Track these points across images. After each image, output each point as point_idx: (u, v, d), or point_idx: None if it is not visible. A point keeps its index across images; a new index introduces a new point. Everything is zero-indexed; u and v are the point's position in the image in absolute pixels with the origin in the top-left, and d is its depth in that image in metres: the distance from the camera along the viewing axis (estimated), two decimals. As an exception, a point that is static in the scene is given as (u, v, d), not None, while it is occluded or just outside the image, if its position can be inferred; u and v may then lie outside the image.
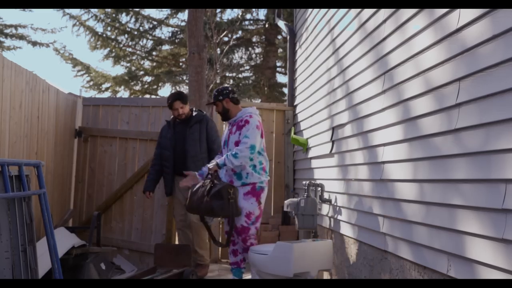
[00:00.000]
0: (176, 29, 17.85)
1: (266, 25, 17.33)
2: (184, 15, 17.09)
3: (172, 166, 6.85)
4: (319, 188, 6.28)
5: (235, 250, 5.79)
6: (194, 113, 6.96)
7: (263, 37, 18.01)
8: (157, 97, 18.07)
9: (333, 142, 6.04)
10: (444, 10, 3.48)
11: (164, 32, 23.84)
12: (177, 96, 6.83)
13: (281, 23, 9.67)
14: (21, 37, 19.45)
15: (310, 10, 7.56)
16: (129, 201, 8.05)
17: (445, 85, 3.47)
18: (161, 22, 17.44)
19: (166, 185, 6.97)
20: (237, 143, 5.49)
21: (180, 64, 18.17)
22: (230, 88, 5.90)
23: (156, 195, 7.79)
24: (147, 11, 19.14)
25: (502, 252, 2.78)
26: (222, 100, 5.83)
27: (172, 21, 17.80)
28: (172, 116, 7.03)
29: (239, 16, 17.01)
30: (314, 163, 7.04)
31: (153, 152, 7.74)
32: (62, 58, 18.50)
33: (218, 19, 16.39)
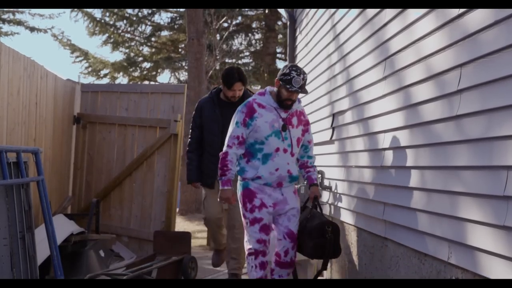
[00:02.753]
0: (175, 15, 17.80)
1: (266, 11, 17.25)
2: (183, 1, 16.99)
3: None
4: (319, 175, 6.25)
5: (264, 262, 4.56)
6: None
7: (263, 23, 17.96)
8: (156, 83, 18.03)
9: (333, 128, 6.01)
10: (446, -5, 3.43)
11: (163, 18, 23.83)
12: (240, 77, 5.66)
13: (281, 9, 9.60)
14: (19, 23, 19.38)
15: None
16: (128, 188, 8.03)
17: (446, 71, 3.43)
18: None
19: (207, 176, 5.78)
20: (298, 141, 4.65)
21: (179, 50, 18.12)
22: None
23: (155, 183, 7.78)
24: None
25: (503, 239, 2.76)
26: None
27: (171, 7, 17.72)
28: (213, 91, 5.93)
29: (239, 2, 16.92)
30: (314, 150, 7.00)
31: (159, 135, 7.66)
32: (60, 44, 18.44)
33: (217, 5, 16.29)
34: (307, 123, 4.69)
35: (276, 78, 4.47)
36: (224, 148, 4.56)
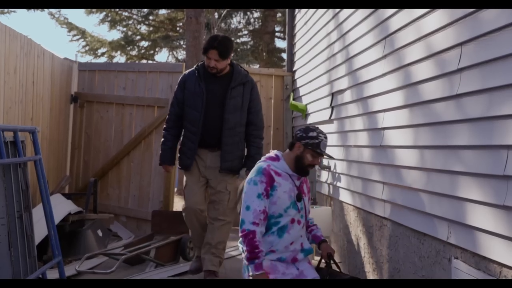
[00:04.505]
0: (173, -7, 17.64)
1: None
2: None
3: (200, 134, 5.16)
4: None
5: None
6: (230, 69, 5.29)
7: (262, 1, 17.81)
8: (154, 62, 17.94)
9: (332, 108, 5.99)
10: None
11: (161, -4, 23.58)
12: (218, 45, 5.02)
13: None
14: (16, 1, 19.19)
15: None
16: (126, 167, 8.02)
17: (446, 50, 3.40)
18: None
19: (185, 156, 5.25)
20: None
21: (177, 29, 17.99)
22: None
23: (153, 162, 7.75)
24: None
25: (503, 219, 2.75)
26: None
27: (169, -15, 17.57)
28: (199, 64, 5.32)
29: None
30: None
31: (157, 115, 7.62)
32: (57, 22, 18.26)
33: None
34: (309, 190, 4.12)
35: (297, 142, 3.84)
36: (248, 226, 3.70)
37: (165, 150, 5.41)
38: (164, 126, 5.45)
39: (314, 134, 3.83)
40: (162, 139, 5.44)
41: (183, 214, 5.42)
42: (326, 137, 3.88)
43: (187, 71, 5.42)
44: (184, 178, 5.39)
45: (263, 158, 3.99)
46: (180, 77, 5.40)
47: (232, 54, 5.20)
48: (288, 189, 3.81)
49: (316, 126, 4.12)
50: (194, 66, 5.34)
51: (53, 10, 18.30)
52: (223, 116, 5.13)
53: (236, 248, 6.87)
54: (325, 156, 3.91)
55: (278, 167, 3.84)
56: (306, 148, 3.80)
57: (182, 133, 5.34)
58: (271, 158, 3.91)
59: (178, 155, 5.37)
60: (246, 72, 5.33)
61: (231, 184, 5.26)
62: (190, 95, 5.19)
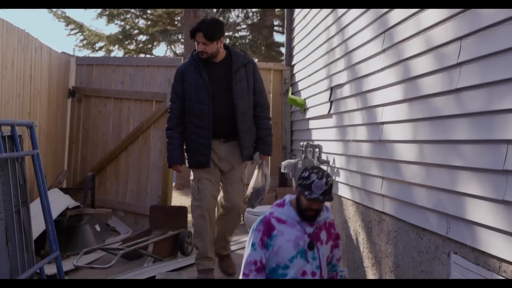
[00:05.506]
0: (171, -13, 17.58)
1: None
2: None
3: (212, 127, 4.94)
4: (317, 149, 6.23)
5: None
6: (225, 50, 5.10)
7: (260, -5, 17.76)
8: (152, 56, 17.90)
9: (331, 102, 5.97)
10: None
11: (159, -9, 23.49)
12: (204, 28, 4.84)
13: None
14: (13, -5, 19.12)
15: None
16: (124, 162, 8.01)
17: (446, 44, 3.39)
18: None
19: (197, 153, 4.99)
20: (328, 259, 3.60)
21: (176, 22, 17.94)
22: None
23: (152, 157, 7.75)
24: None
25: (502, 214, 2.74)
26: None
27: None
28: (193, 53, 5.12)
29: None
30: (312, 124, 6.98)
31: (155, 109, 7.59)
32: (55, 16, 18.19)
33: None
34: (337, 237, 3.63)
35: (295, 183, 3.58)
36: (240, 277, 3.48)
37: (173, 150, 5.09)
38: (167, 125, 5.16)
39: (306, 174, 3.38)
40: (167, 139, 5.14)
41: (195, 211, 5.11)
42: (322, 177, 3.34)
43: (182, 63, 5.22)
44: (192, 173, 5.14)
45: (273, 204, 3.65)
46: (176, 71, 5.18)
47: (222, 37, 4.97)
48: (293, 237, 3.41)
49: (318, 167, 3.55)
50: (189, 57, 5.13)
51: (51, 4, 18.23)
52: (232, 102, 4.94)
53: (235, 243, 6.86)
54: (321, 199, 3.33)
55: (283, 213, 3.48)
56: (300, 190, 3.39)
57: (187, 129, 5.07)
58: (277, 204, 3.58)
59: (186, 154, 5.11)
60: (244, 53, 5.17)
61: (245, 174, 5.23)
62: (192, 87, 4.96)
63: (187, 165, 5.16)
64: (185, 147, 5.12)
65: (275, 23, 18.05)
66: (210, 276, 5.09)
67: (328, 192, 3.35)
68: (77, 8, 16.65)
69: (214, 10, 15.61)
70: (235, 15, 17.68)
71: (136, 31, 18.28)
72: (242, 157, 5.08)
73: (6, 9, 19.62)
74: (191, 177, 5.15)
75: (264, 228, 3.46)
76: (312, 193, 3.30)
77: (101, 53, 18.18)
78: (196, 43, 4.91)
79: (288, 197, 3.55)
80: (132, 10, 17.78)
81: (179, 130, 5.08)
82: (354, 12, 5.15)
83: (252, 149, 5.16)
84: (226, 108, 4.95)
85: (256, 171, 5.38)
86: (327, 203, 3.61)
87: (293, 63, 8.45)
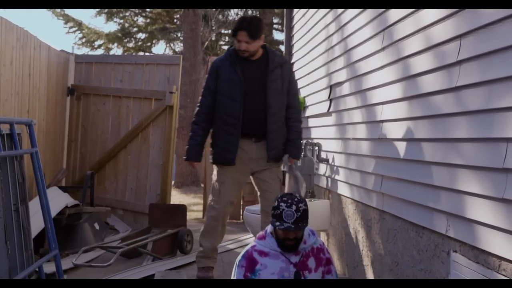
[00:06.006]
0: (170, -15, 17.57)
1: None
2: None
3: (241, 125, 4.86)
4: (316, 148, 6.23)
5: None
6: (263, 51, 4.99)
7: (259, -7, 17.75)
8: (151, 54, 17.89)
9: (331, 100, 5.96)
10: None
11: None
12: (247, 26, 4.77)
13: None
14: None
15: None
16: (123, 160, 8.00)
17: (445, 42, 3.38)
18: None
19: (224, 150, 4.90)
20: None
21: (175, 20, 17.95)
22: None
23: (151, 155, 7.74)
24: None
25: (502, 212, 2.73)
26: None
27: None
28: (230, 49, 5.03)
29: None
30: (311, 122, 6.97)
31: (154, 107, 7.57)
32: (54, 14, 18.21)
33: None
34: (328, 262, 3.42)
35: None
36: None
37: (193, 146, 5.01)
38: (194, 119, 5.07)
39: (276, 203, 3.22)
40: (191, 133, 5.06)
41: (210, 212, 5.08)
42: (291, 205, 3.17)
43: (218, 58, 5.12)
44: (215, 172, 5.07)
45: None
46: (211, 64, 5.08)
47: (263, 35, 4.89)
48: (278, 270, 3.25)
49: (290, 194, 3.34)
50: (225, 52, 5.04)
51: (50, 2, 18.19)
52: (265, 101, 4.85)
53: (234, 241, 6.87)
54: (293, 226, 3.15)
55: (264, 245, 3.31)
56: (272, 221, 3.24)
57: (215, 125, 4.97)
58: (259, 237, 3.39)
59: (212, 149, 5.01)
60: (281, 54, 5.02)
61: (280, 172, 5.13)
62: (225, 83, 4.87)
63: (210, 160, 5.08)
64: (211, 142, 5.04)
65: (275, 21, 18.07)
66: (209, 274, 5.07)
67: (302, 219, 3.18)
68: (76, 8, 16.63)
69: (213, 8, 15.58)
70: (234, 12, 17.69)
71: (135, 29, 18.29)
72: (268, 157, 4.94)
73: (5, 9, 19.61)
74: (214, 177, 5.07)
75: (247, 263, 3.29)
76: (283, 222, 3.15)
77: (100, 51, 18.21)
78: (236, 42, 4.81)
79: (270, 228, 3.35)
80: (131, 8, 17.78)
81: (204, 126, 5.01)
82: (354, 10, 5.15)
83: (281, 151, 5.00)
84: (258, 106, 4.86)
85: (286, 176, 5.24)
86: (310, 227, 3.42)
87: (292, 61, 8.43)
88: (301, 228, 3.19)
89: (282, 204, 3.19)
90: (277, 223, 3.16)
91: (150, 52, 18.67)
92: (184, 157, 5.18)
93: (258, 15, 17.73)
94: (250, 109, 4.84)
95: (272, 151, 4.93)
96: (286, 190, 5.25)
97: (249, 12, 17.86)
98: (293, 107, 5.03)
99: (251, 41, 4.75)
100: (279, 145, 4.97)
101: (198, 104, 5.06)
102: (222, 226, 5.10)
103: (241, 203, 8.85)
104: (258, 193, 5.14)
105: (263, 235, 3.37)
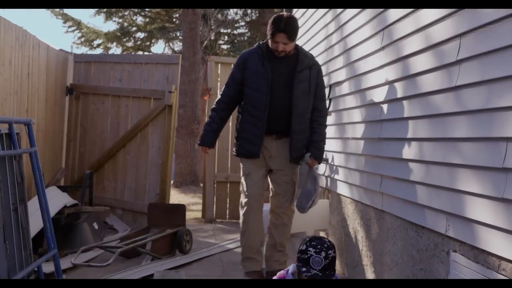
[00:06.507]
0: (169, -16, 17.55)
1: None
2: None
3: (266, 119, 4.84)
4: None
5: None
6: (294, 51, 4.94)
7: (259, -8, 17.74)
8: (150, 53, 17.88)
9: (330, 100, 5.96)
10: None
11: (157, -12, 23.45)
12: (286, 28, 4.72)
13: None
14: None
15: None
16: (122, 160, 8.00)
17: (445, 41, 3.37)
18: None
19: (249, 143, 4.88)
20: None
21: (174, 20, 17.93)
22: None
23: (150, 155, 7.73)
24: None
25: (502, 212, 2.73)
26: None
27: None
28: (260, 42, 5.01)
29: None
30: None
31: (153, 107, 7.57)
32: (53, 13, 18.18)
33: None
34: None
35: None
36: None
37: (208, 132, 5.03)
38: (213, 106, 5.09)
39: (304, 247, 3.04)
40: (208, 119, 5.10)
41: (242, 209, 5.01)
42: (320, 251, 2.98)
43: (247, 50, 5.09)
44: (242, 166, 5.05)
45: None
46: (240, 56, 5.06)
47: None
48: None
49: (319, 237, 3.15)
50: (256, 45, 5.02)
51: (49, 1, 18.16)
52: (291, 100, 4.81)
53: (234, 241, 6.86)
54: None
55: None
56: (298, 265, 3.05)
57: (241, 117, 4.96)
58: (279, 276, 3.24)
59: (237, 142, 5.01)
60: (311, 55, 5.07)
61: (295, 175, 5.06)
62: (253, 75, 4.84)
63: (234, 153, 5.08)
64: (236, 135, 5.03)
65: (274, 20, 18.03)
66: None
67: (329, 266, 3.00)
68: (76, 8, 16.62)
69: (213, 7, 15.57)
70: (233, 12, 17.68)
71: (134, 29, 18.27)
72: (290, 158, 4.91)
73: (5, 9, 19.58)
74: (242, 173, 5.04)
75: None
76: (310, 269, 2.97)
77: (99, 51, 18.18)
78: (272, 42, 4.78)
79: (292, 269, 3.16)
80: (130, 7, 17.78)
81: (222, 115, 5.03)
82: (353, 9, 5.14)
83: (303, 154, 4.97)
84: (283, 104, 4.83)
85: (305, 175, 5.17)
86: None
87: (291, 60, 8.42)
88: (328, 277, 3.00)
89: (310, 249, 3.00)
90: (303, 269, 2.98)
91: (149, 51, 18.65)
92: (198, 142, 5.23)
93: (257, 15, 17.73)
94: (275, 104, 4.81)
95: (296, 152, 4.91)
96: (301, 189, 5.14)
97: (249, 12, 17.87)
98: (320, 111, 5.00)
99: (289, 42, 4.75)
100: (302, 147, 4.96)
101: (221, 93, 5.08)
102: (257, 219, 4.97)
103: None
104: (270, 194, 5.12)
105: (283, 275, 3.21)
